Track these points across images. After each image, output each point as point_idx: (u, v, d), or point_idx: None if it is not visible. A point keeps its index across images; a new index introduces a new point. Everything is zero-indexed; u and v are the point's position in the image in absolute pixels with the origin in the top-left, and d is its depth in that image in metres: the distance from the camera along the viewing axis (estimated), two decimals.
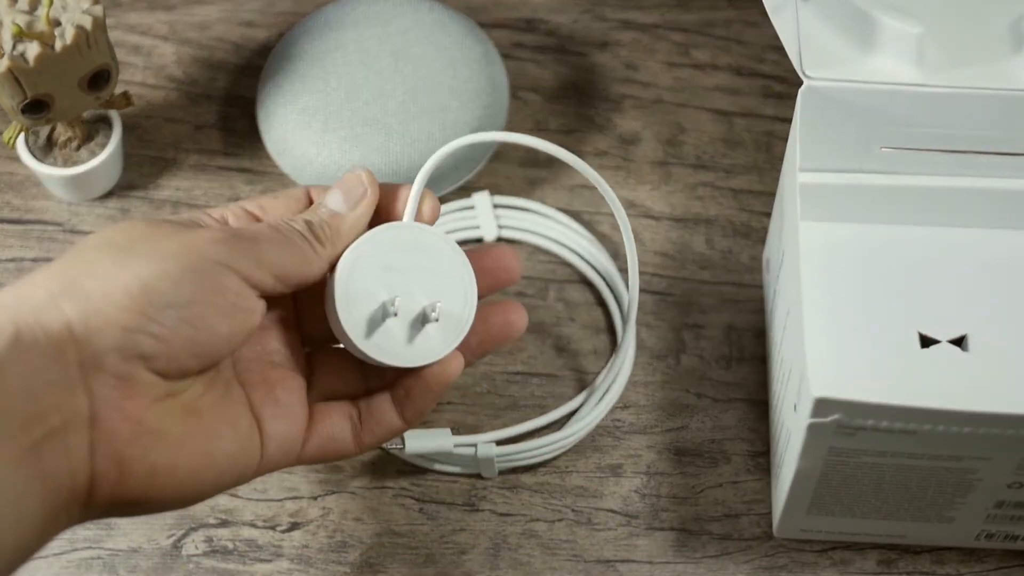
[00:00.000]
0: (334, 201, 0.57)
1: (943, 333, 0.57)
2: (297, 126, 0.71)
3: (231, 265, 0.52)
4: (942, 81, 0.57)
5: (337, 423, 0.58)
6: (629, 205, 0.73)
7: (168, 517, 0.64)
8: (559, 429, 0.66)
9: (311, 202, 0.58)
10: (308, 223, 0.56)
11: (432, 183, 0.71)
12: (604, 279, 0.70)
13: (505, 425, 0.67)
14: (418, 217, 0.58)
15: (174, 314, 0.51)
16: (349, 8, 0.73)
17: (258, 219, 0.57)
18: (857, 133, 0.59)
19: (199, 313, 0.51)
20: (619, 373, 0.67)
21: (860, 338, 0.57)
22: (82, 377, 0.49)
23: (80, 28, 0.64)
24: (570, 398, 0.67)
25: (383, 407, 0.58)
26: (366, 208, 0.57)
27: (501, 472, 0.65)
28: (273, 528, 0.64)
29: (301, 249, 0.55)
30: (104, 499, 0.51)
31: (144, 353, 0.50)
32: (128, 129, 0.74)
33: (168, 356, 0.51)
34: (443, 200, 0.72)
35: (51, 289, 0.50)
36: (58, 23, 0.64)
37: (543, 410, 0.67)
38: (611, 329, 0.69)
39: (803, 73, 0.58)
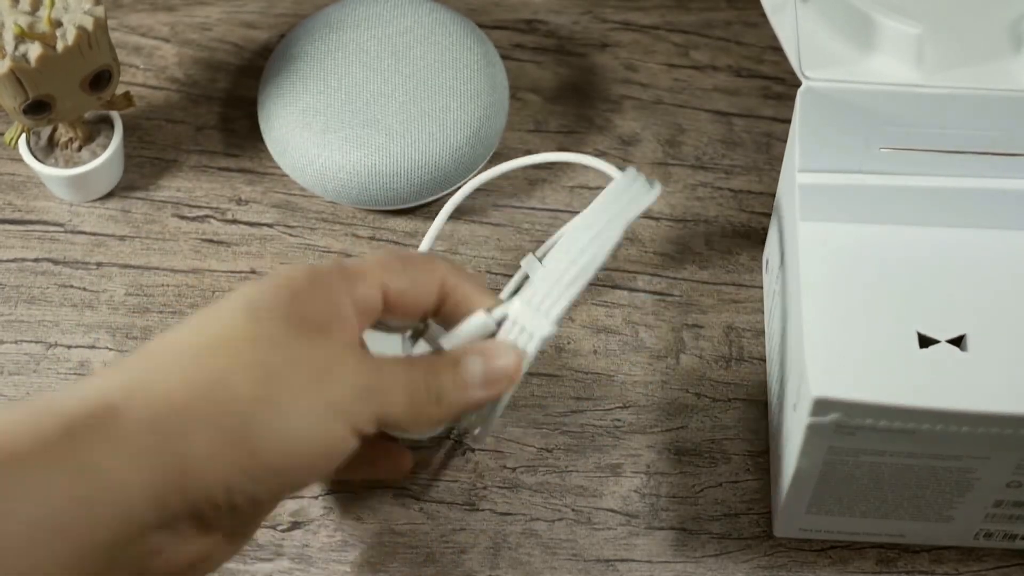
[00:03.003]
0: (474, 373, 0.55)
1: (942, 333, 0.58)
2: (298, 127, 0.71)
3: (359, 431, 0.52)
4: (942, 81, 0.57)
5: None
6: None
7: None
8: None
9: (443, 294, 0.56)
10: (440, 388, 0.54)
11: (433, 184, 0.71)
12: None
13: (504, 425, 0.67)
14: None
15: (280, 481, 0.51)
16: (349, 9, 0.74)
17: (392, 303, 0.55)
18: (857, 133, 0.59)
19: (300, 471, 0.51)
20: None
21: (859, 338, 0.57)
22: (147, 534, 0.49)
23: (82, 29, 0.64)
24: (571, 397, 0.68)
25: None
26: (495, 394, 0.55)
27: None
28: (274, 527, 0.64)
29: (420, 413, 0.53)
30: None
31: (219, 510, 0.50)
32: (129, 130, 0.74)
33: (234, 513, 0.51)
34: (443, 200, 0.72)
35: (214, 445, 0.49)
36: (60, 24, 0.64)
37: (543, 409, 0.67)
38: (611, 329, 0.69)
39: (802, 74, 0.58)
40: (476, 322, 0.57)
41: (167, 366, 0.50)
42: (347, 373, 0.51)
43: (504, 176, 0.73)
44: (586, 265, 0.57)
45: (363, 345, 0.56)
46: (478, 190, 0.73)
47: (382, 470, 0.63)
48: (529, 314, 0.56)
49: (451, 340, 0.57)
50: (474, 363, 0.55)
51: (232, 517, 0.50)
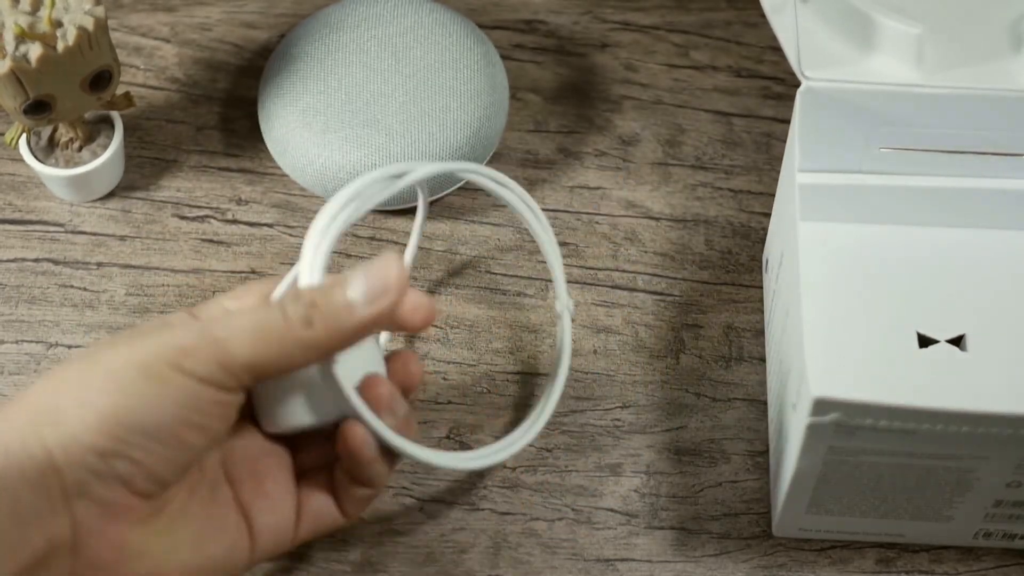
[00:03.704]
0: (355, 290, 0.52)
1: (942, 333, 0.58)
2: (298, 127, 0.71)
3: (201, 376, 0.51)
4: (941, 81, 0.57)
5: (321, 498, 0.57)
6: (629, 205, 0.73)
7: None
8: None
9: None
10: (311, 307, 0.52)
11: (433, 184, 0.71)
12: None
13: (506, 424, 0.67)
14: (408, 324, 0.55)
15: (147, 436, 0.50)
16: (349, 9, 0.74)
17: None
18: (856, 133, 0.59)
19: (173, 432, 0.50)
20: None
21: (859, 338, 0.57)
22: (65, 504, 0.49)
23: (82, 29, 0.64)
24: (571, 397, 0.68)
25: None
26: (383, 309, 0.53)
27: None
28: None
29: (284, 340, 0.51)
30: None
31: (122, 476, 0.50)
32: (129, 130, 0.74)
33: (146, 475, 0.51)
34: (441, 201, 0.72)
35: (32, 415, 0.50)
36: (60, 24, 0.64)
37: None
38: (611, 329, 0.69)
39: (802, 74, 0.58)
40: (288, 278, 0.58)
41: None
42: (167, 332, 0.51)
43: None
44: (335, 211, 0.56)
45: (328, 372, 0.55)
46: (478, 190, 0.73)
47: (400, 378, 0.59)
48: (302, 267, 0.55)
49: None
50: (352, 279, 0.52)
51: (148, 480, 0.51)
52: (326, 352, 0.52)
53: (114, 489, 0.50)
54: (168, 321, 0.54)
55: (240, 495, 0.55)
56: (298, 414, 0.56)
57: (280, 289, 0.58)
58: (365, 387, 0.56)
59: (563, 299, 0.65)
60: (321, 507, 0.57)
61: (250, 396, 0.56)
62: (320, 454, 0.58)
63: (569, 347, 0.65)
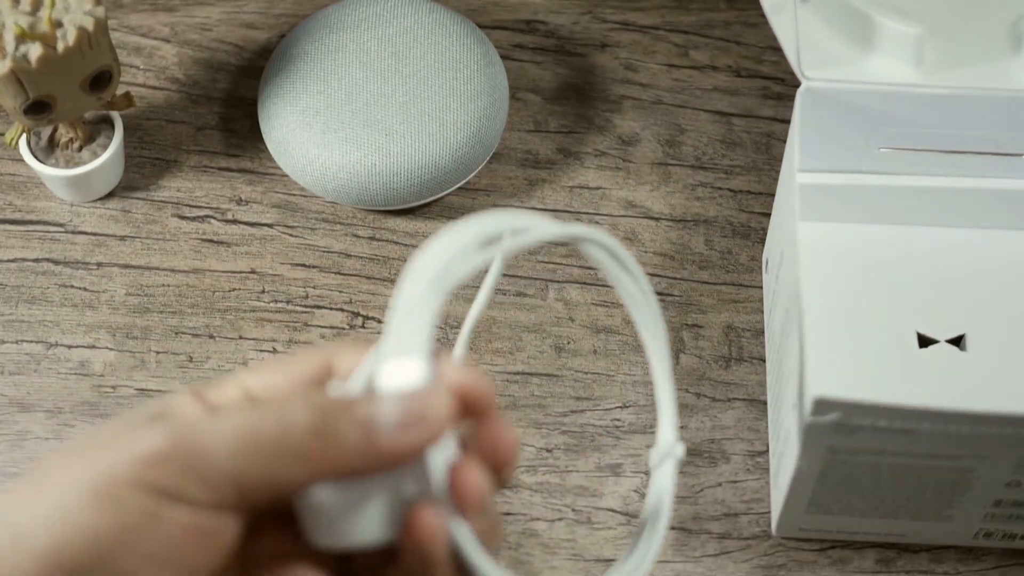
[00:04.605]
0: (384, 412, 0.40)
1: (941, 333, 0.58)
2: (298, 127, 0.71)
3: (168, 491, 0.39)
4: (941, 81, 0.57)
5: None
6: (629, 205, 0.73)
7: None
8: None
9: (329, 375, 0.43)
10: (322, 416, 0.40)
11: (433, 184, 0.71)
12: None
13: None
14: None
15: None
16: (349, 9, 0.74)
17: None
18: (856, 133, 0.59)
19: (131, 569, 0.39)
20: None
21: (859, 338, 0.57)
22: None
23: (82, 29, 0.64)
24: (571, 397, 0.68)
25: None
26: (413, 444, 0.40)
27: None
28: None
29: (279, 452, 0.40)
30: None
31: None
32: (129, 130, 0.74)
33: None
34: (441, 201, 0.73)
35: None
36: (60, 24, 0.64)
37: (543, 409, 0.67)
38: (611, 329, 0.69)
39: (802, 74, 0.58)
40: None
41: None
42: (134, 435, 0.40)
43: (504, 176, 0.73)
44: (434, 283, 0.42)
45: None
46: (478, 190, 0.73)
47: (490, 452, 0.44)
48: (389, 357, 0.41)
49: None
50: (387, 394, 0.41)
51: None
52: (334, 475, 0.40)
53: None
54: (148, 415, 0.41)
55: None
56: (367, 528, 0.41)
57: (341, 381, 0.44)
58: (450, 476, 0.42)
59: (669, 440, 0.47)
60: None
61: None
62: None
63: (670, 502, 0.47)
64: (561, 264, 0.71)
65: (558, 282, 0.71)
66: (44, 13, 0.64)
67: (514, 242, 0.44)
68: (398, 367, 0.41)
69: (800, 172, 0.60)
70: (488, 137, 0.72)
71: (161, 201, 0.73)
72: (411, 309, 0.41)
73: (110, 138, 0.71)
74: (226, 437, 0.39)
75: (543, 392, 0.68)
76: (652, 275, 0.71)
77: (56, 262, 0.71)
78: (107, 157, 0.71)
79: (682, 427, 0.67)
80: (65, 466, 0.40)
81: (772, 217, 0.68)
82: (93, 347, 0.69)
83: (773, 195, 0.73)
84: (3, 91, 0.65)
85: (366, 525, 0.41)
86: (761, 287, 0.71)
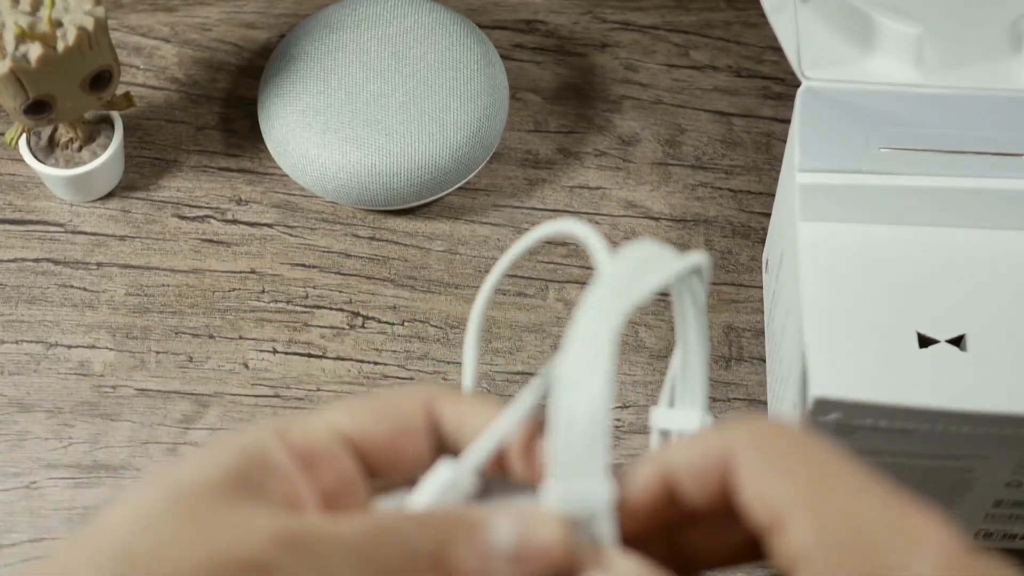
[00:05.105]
0: (503, 544, 0.37)
1: (942, 333, 0.58)
2: (298, 127, 0.71)
3: None
4: (941, 81, 0.57)
5: None
6: (629, 205, 0.73)
7: None
8: None
9: (430, 422, 0.41)
10: (443, 539, 0.37)
11: (433, 184, 0.71)
12: None
13: None
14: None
15: None
16: (349, 9, 0.74)
17: (370, 463, 0.40)
18: (856, 133, 0.59)
19: None
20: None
21: (859, 338, 0.57)
22: None
23: (82, 29, 0.64)
24: None
25: None
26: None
27: None
28: None
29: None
30: None
31: None
32: (129, 130, 0.74)
33: None
34: (441, 201, 0.72)
35: None
36: (60, 24, 0.64)
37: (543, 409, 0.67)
38: None
39: (802, 74, 0.58)
40: (441, 477, 0.40)
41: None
42: (245, 521, 0.36)
43: (504, 176, 0.73)
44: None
45: None
46: (478, 190, 0.73)
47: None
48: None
49: (417, 500, 0.40)
50: (502, 527, 0.38)
51: None
52: None
53: None
54: (242, 479, 0.37)
55: None
56: None
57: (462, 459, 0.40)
58: None
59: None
60: None
61: None
62: None
63: None
64: (561, 264, 0.71)
65: (558, 282, 0.71)
66: (44, 13, 0.64)
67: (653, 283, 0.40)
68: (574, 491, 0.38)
69: (800, 172, 0.60)
70: (488, 137, 0.72)
71: (161, 201, 0.73)
72: (585, 419, 0.38)
73: (110, 138, 0.71)
74: (345, 554, 0.36)
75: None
76: None
77: (56, 262, 0.71)
78: (107, 157, 0.71)
79: None
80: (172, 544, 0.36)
81: (772, 217, 0.68)
82: (93, 347, 0.69)
83: (773, 195, 0.72)
84: (3, 91, 0.65)
85: None
86: (761, 287, 0.70)
